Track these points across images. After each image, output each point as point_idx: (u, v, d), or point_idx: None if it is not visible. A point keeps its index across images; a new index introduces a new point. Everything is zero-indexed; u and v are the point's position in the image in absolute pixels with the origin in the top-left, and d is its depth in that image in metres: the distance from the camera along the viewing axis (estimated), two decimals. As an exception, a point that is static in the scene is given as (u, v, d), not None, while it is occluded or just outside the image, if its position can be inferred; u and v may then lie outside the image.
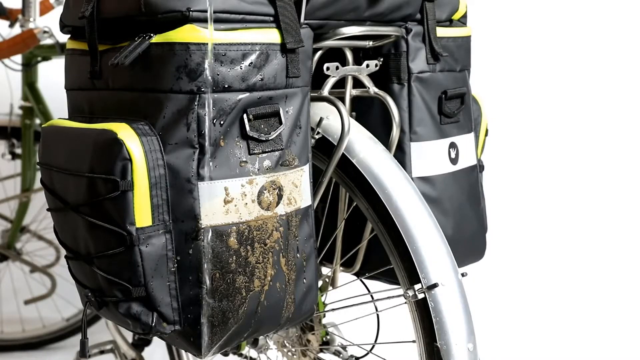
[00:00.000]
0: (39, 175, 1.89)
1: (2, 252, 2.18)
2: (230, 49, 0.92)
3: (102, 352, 1.54)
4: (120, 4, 0.95)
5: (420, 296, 1.06)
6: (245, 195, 0.94)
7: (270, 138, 0.95)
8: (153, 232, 0.91)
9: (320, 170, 1.11)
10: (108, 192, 0.89)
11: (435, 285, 1.06)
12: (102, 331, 1.80)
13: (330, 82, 1.13)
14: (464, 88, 1.23)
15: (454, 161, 1.21)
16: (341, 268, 1.31)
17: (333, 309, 1.28)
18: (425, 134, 1.18)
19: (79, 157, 0.94)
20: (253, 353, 1.37)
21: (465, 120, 1.24)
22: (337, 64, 1.14)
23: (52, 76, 1.76)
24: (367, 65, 1.16)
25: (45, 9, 1.86)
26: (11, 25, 1.84)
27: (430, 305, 1.06)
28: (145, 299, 0.92)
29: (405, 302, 1.09)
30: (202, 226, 0.92)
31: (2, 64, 1.92)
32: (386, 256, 1.12)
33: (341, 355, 1.37)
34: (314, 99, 1.11)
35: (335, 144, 1.09)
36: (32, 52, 1.94)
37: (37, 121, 2.07)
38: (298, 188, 1.00)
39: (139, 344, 1.53)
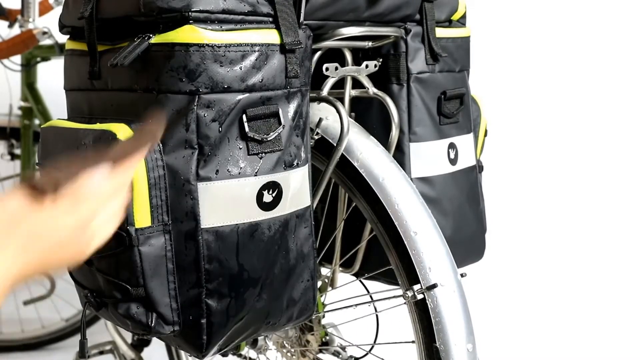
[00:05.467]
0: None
1: (1, 252, 2.17)
2: (229, 50, 0.92)
3: (101, 353, 1.54)
4: (120, 4, 0.95)
5: (420, 297, 1.06)
6: (245, 195, 0.94)
7: (269, 138, 0.95)
8: (152, 233, 0.91)
9: (319, 170, 1.11)
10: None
11: (434, 286, 1.06)
12: (102, 332, 1.79)
13: (330, 82, 1.13)
14: (463, 88, 1.23)
15: (453, 162, 1.21)
16: (340, 268, 1.31)
17: (332, 310, 1.28)
18: (424, 134, 1.17)
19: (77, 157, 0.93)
20: (252, 354, 1.37)
21: (465, 120, 1.24)
22: (336, 64, 1.13)
23: (51, 77, 1.76)
24: (367, 66, 1.16)
25: (45, 9, 1.86)
26: (10, 26, 1.84)
27: (429, 306, 1.06)
28: (144, 299, 0.92)
29: (405, 303, 1.09)
30: (201, 227, 0.91)
31: (2, 65, 1.92)
32: (385, 257, 1.12)
33: (340, 356, 1.37)
34: (313, 100, 1.11)
35: (335, 144, 1.09)
36: (31, 53, 1.93)
37: (37, 122, 2.06)
38: (297, 189, 1.00)
39: (138, 345, 1.53)
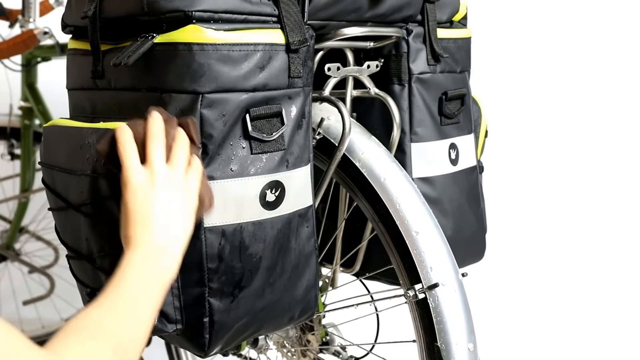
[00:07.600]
0: (38, 175, 1.88)
1: (1, 252, 2.17)
2: (233, 49, 0.92)
3: (101, 353, 1.53)
4: (123, 3, 0.95)
5: (421, 296, 1.06)
6: (248, 194, 0.94)
7: (272, 138, 0.95)
8: (155, 231, 0.91)
9: (321, 170, 1.12)
10: (110, 191, 0.89)
11: (435, 285, 1.06)
12: (102, 331, 1.79)
13: (332, 82, 1.13)
14: (464, 89, 1.23)
15: (454, 162, 1.21)
16: (341, 268, 1.31)
17: (333, 309, 1.28)
18: (425, 134, 1.18)
19: (80, 156, 0.94)
20: (253, 353, 1.38)
21: (465, 121, 1.25)
22: (338, 64, 1.14)
23: (52, 77, 1.76)
24: (368, 66, 1.16)
25: (45, 9, 1.86)
26: (11, 26, 1.84)
27: (430, 305, 1.06)
28: (147, 298, 0.92)
29: (406, 302, 1.09)
30: (205, 225, 0.92)
31: (2, 65, 1.92)
32: (386, 256, 1.12)
33: (341, 356, 1.37)
34: (315, 100, 1.11)
35: (336, 144, 1.09)
36: (31, 53, 1.93)
37: (37, 122, 2.06)
38: (300, 188, 1.00)
39: (139, 344, 1.53)
